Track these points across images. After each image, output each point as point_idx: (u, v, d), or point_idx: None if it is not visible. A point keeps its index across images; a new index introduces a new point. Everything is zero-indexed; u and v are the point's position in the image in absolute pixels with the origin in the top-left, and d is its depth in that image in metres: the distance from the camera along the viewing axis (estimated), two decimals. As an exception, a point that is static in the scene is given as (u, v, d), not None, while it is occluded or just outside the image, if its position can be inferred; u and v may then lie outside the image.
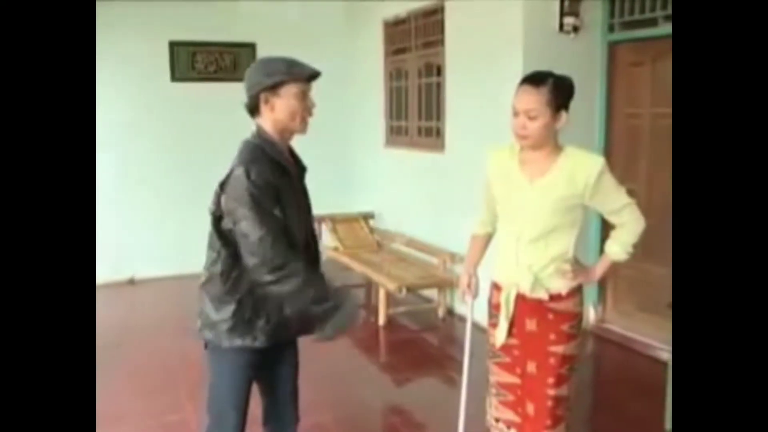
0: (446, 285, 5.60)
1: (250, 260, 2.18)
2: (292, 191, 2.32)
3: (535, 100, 2.32)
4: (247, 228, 2.16)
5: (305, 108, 2.32)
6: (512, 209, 2.50)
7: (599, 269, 2.61)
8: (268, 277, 2.16)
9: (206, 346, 2.43)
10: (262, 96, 2.27)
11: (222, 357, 2.39)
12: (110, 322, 5.46)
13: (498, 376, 2.64)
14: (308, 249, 2.42)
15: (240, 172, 2.18)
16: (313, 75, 2.33)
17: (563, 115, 2.37)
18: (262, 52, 7.12)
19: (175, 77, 6.88)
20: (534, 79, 2.36)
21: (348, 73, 7.55)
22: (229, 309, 2.31)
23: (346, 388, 4.29)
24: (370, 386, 4.37)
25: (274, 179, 2.23)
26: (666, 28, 4.42)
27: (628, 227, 2.50)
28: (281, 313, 2.33)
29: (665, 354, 3.91)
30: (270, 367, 2.53)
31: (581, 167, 2.37)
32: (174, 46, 6.87)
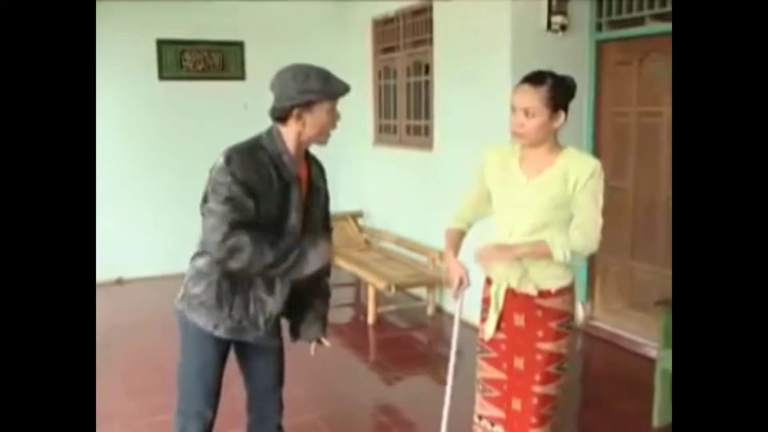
0: (435, 283, 5.61)
1: (207, 238, 2.22)
2: (279, 198, 2.31)
3: (533, 98, 2.34)
4: (209, 209, 2.22)
5: (333, 122, 2.37)
6: (507, 205, 2.52)
7: (523, 247, 2.44)
8: (220, 255, 2.19)
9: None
10: (295, 111, 2.28)
11: (189, 335, 2.42)
12: (99, 322, 5.39)
13: (484, 371, 2.65)
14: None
15: (222, 159, 2.24)
16: (345, 92, 2.38)
17: (561, 114, 2.39)
18: (250, 51, 7.11)
19: (162, 76, 6.84)
20: (533, 79, 2.39)
21: (336, 71, 7.48)
22: (203, 285, 2.34)
23: (335, 387, 4.29)
24: (360, 384, 4.38)
25: (256, 177, 2.24)
26: (653, 27, 4.45)
27: (581, 236, 2.40)
28: (246, 310, 2.35)
29: (653, 351, 3.93)
30: (246, 358, 2.56)
31: (575, 166, 2.39)
32: (161, 44, 6.82)
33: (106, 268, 6.65)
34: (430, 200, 5.90)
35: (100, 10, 6.34)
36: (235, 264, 2.20)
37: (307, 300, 2.55)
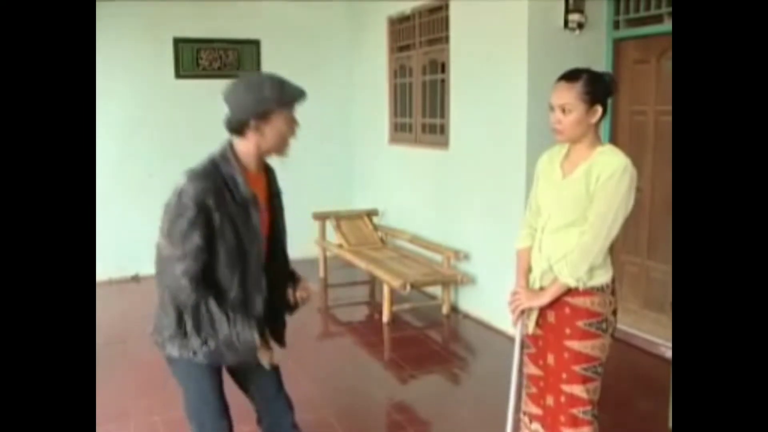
0: (450, 282, 5.59)
1: (165, 269, 2.23)
2: (239, 220, 2.24)
3: (569, 94, 2.40)
4: (161, 241, 2.25)
5: (292, 130, 2.28)
6: (544, 201, 2.58)
7: (548, 294, 2.50)
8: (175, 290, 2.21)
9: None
10: (252, 122, 2.21)
11: (177, 366, 2.40)
12: (115, 318, 5.47)
13: (527, 367, 2.70)
14: (255, 280, 2.32)
15: (179, 184, 2.22)
16: (301, 98, 2.25)
17: (598, 109, 2.43)
18: (266, 49, 7.14)
19: (179, 74, 6.89)
20: (568, 76, 2.45)
21: (352, 70, 7.56)
22: (171, 317, 2.32)
23: (350, 385, 4.29)
24: (374, 383, 4.37)
25: (212, 203, 2.18)
26: (671, 25, 4.41)
27: (582, 248, 2.41)
28: (218, 339, 2.25)
29: (669, 351, 3.90)
30: (241, 375, 2.52)
31: (600, 164, 2.41)
32: (178, 42, 6.88)
33: (122, 265, 6.73)
34: (445, 199, 5.89)
35: (119, 9, 6.42)
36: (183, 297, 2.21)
37: (282, 302, 2.47)
